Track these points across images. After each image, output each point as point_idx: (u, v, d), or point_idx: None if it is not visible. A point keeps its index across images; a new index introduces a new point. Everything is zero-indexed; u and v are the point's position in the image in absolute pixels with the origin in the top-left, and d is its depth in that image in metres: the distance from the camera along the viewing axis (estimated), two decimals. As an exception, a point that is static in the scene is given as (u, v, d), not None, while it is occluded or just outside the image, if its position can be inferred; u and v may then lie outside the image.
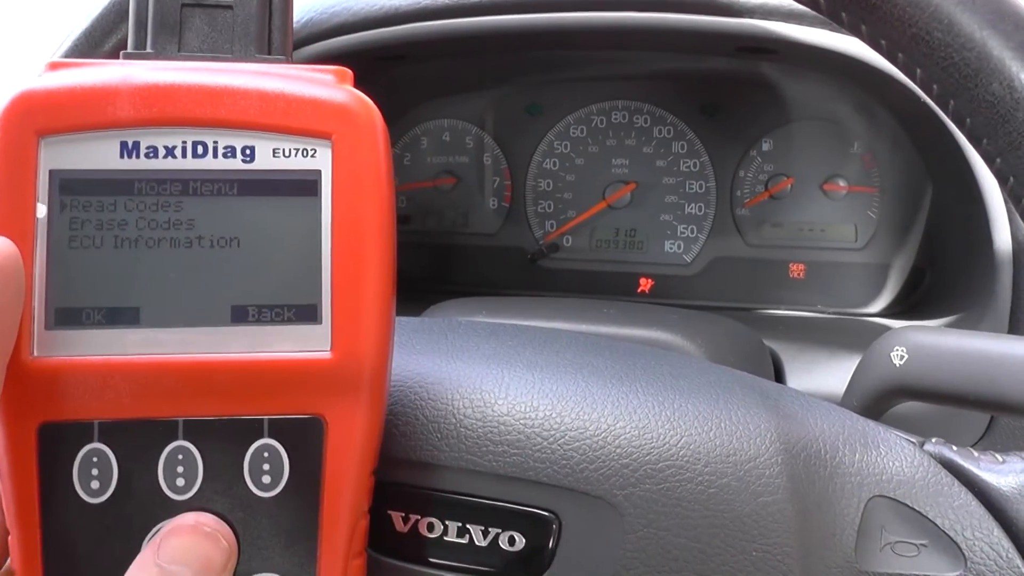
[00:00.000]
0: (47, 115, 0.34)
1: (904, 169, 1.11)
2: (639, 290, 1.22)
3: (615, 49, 1.11)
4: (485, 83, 1.25)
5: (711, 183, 1.20)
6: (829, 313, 1.14)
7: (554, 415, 0.43)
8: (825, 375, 0.91)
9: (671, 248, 1.22)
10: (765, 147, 1.18)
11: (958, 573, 0.41)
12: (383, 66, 1.12)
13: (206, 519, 0.36)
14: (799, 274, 1.17)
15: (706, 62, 1.11)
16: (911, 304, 1.10)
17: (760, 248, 1.19)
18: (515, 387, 0.45)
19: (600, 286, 1.23)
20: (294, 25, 0.41)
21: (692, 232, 1.21)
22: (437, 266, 1.29)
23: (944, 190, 1.04)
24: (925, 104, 0.87)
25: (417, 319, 0.57)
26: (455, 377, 0.45)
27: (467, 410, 0.43)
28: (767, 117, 1.17)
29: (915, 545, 0.42)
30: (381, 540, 0.42)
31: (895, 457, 0.43)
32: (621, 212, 1.22)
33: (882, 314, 1.12)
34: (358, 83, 0.39)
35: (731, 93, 1.19)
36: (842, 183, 1.15)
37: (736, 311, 1.14)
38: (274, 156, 0.36)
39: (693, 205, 1.21)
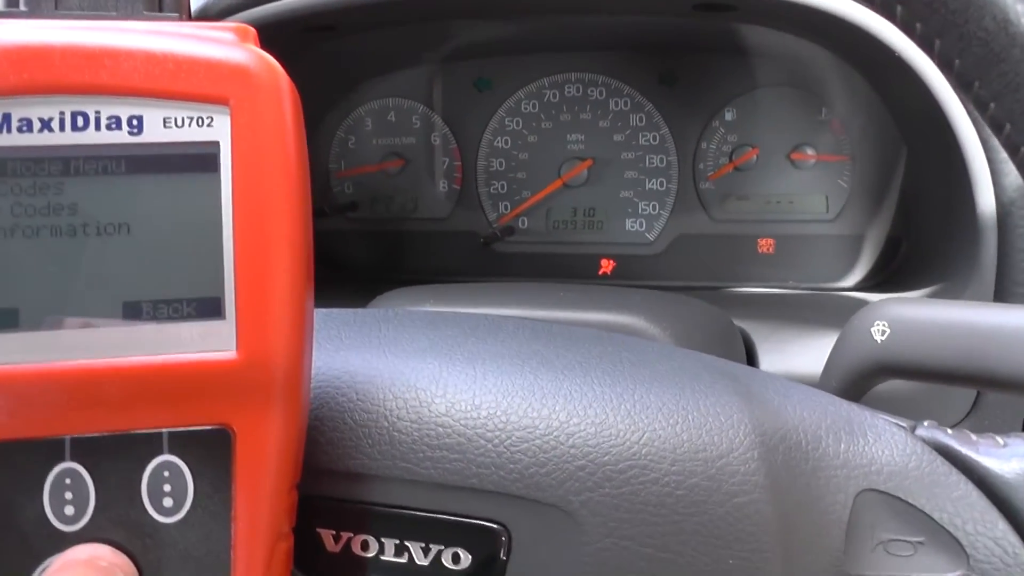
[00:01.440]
0: None
1: (876, 134, 1.10)
2: (600, 272, 1.21)
3: (566, 13, 1.09)
4: (430, 58, 1.23)
5: (672, 156, 1.18)
6: (802, 289, 1.13)
7: (499, 413, 0.41)
8: (800, 355, 0.90)
9: (632, 226, 1.20)
10: (728, 116, 1.16)
11: (960, 573, 0.39)
12: (315, 40, 1.10)
13: (102, 551, 0.33)
14: (768, 249, 1.16)
15: (663, 24, 1.09)
16: (887, 276, 1.09)
17: (726, 223, 1.17)
18: (455, 383, 0.42)
19: (559, 269, 1.22)
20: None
21: (654, 209, 1.19)
22: (387, 254, 1.28)
23: (919, 154, 1.03)
24: (898, 59, 0.85)
25: (349, 311, 0.54)
26: (387, 374, 0.43)
27: (400, 411, 0.41)
28: (729, 85, 1.16)
29: (911, 543, 0.40)
30: (310, 561, 0.40)
31: (885, 445, 0.41)
32: (578, 190, 1.21)
33: (857, 288, 1.11)
34: (289, 61, 0.37)
35: (690, 61, 1.17)
36: (810, 151, 1.14)
37: (704, 290, 1.13)
38: (165, 127, 0.33)
39: (654, 180, 1.19)
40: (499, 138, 1.23)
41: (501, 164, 1.23)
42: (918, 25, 0.35)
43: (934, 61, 0.36)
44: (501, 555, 0.39)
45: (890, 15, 0.36)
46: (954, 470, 0.41)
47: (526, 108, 1.22)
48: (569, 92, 1.21)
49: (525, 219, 1.23)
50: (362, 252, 1.28)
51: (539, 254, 1.23)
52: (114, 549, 0.33)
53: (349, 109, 1.27)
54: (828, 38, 1.00)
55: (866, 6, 0.39)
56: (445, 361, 0.44)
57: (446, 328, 0.49)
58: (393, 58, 1.23)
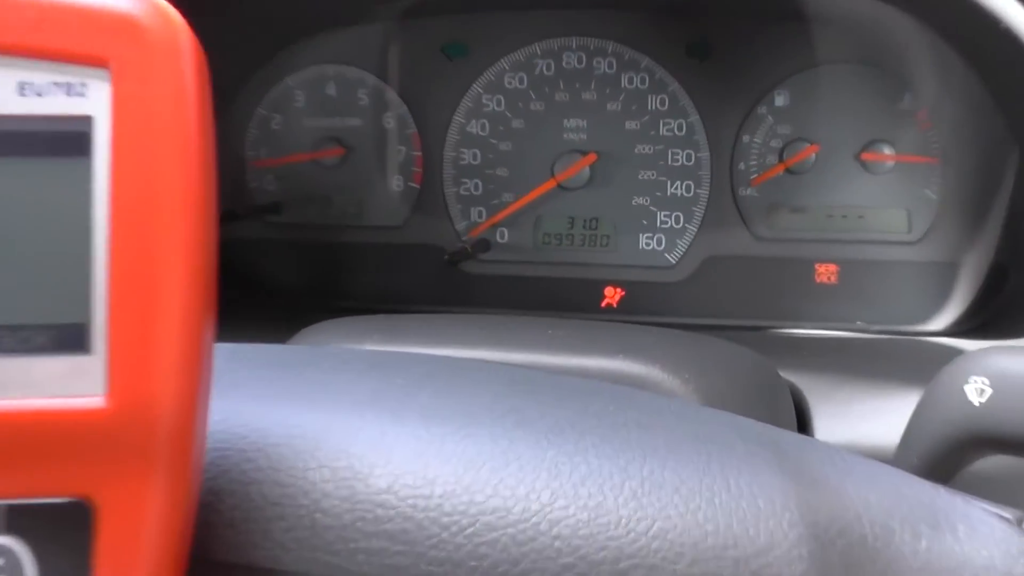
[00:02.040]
0: None
1: (975, 130, 1.11)
2: (604, 303, 1.22)
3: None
4: (384, 12, 1.24)
5: (703, 153, 1.19)
6: (873, 332, 1.13)
7: (459, 491, 0.41)
8: (869, 420, 0.90)
9: (648, 244, 1.21)
10: (778, 101, 1.17)
11: None
12: None
13: None
14: (830, 278, 1.16)
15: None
16: (988, 317, 1.10)
17: (774, 243, 1.18)
18: (402, 448, 0.43)
19: (550, 298, 1.22)
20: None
21: (678, 222, 1.20)
22: (320, 274, 1.28)
23: (1034, 158, 1.03)
24: (1006, 33, 0.85)
25: (264, 347, 0.54)
26: (312, 434, 0.43)
27: (327, 484, 0.41)
28: (780, 60, 1.17)
29: None
30: None
31: (982, 543, 0.41)
32: (577, 195, 1.22)
33: (948, 332, 1.12)
34: (194, 13, 0.37)
35: (729, 27, 1.18)
36: (887, 151, 1.15)
37: (741, 332, 1.14)
38: (20, 94, 0.33)
39: (678, 184, 1.20)
40: (473, 122, 1.23)
41: (475, 157, 1.24)
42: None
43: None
44: None
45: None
46: None
47: (510, 83, 1.23)
48: (568, 63, 1.22)
49: (505, 231, 1.24)
50: (286, 269, 1.28)
51: (523, 278, 1.23)
52: None
53: (273, 79, 1.28)
54: (914, 2, 1.00)
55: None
56: (391, 418, 0.44)
57: (394, 374, 0.49)
58: (334, 12, 1.24)
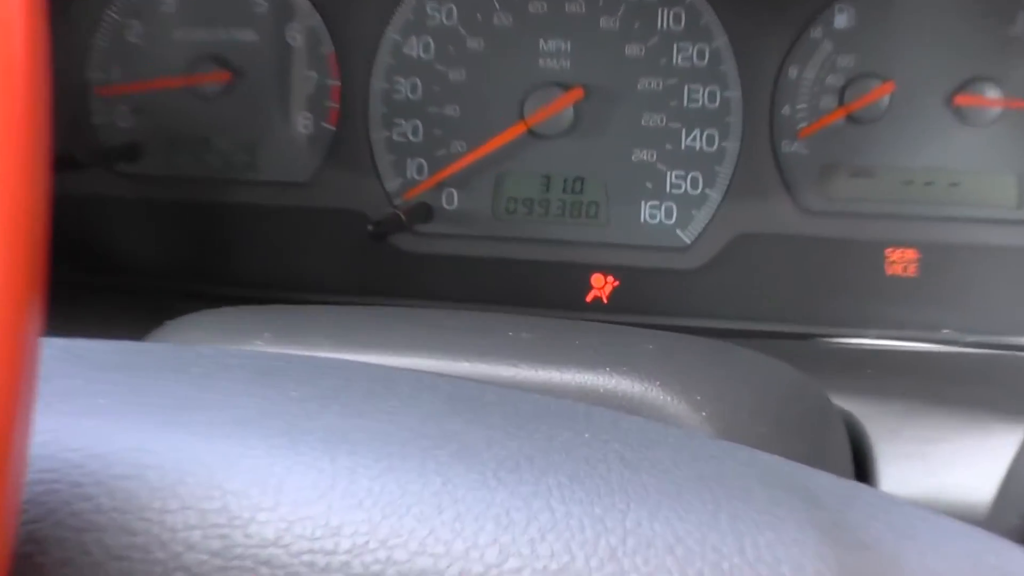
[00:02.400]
0: None
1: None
2: (589, 297, 1.23)
3: None
4: None
5: (733, 91, 1.20)
6: (963, 344, 1.14)
7: (374, 545, 0.42)
8: (954, 466, 0.89)
9: (653, 217, 1.23)
10: (840, 22, 1.18)
11: None
12: None
13: None
14: (906, 269, 1.17)
15: None
16: None
17: (828, 218, 1.20)
18: (297, 485, 0.43)
19: (513, 290, 1.24)
20: None
21: (695, 186, 1.22)
22: (192, 247, 1.29)
23: None
24: None
25: (113, 344, 0.54)
26: (174, 463, 0.44)
27: (194, 532, 0.42)
28: (844, -40, 1.18)
29: None
30: None
31: None
32: (556, 145, 1.23)
33: (1068, 348, 1.13)
34: None
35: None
36: (992, 93, 1.15)
37: (778, 339, 1.15)
38: None
39: (697, 134, 1.21)
40: (413, 40, 1.25)
41: (414, 89, 1.25)
42: None
43: None
44: None
45: None
46: None
47: (464, -14, 1.23)
48: (545, -41, 1.22)
49: (454, 193, 1.25)
50: (145, 239, 1.29)
51: (477, 259, 1.25)
52: None
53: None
54: None
55: None
56: (284, 443, 0.45)
57: (291, 384, 0.50)
58: None
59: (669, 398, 0.81)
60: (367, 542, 0.42)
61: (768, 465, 0.48)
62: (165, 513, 0.42)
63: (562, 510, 0.43)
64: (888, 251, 1.17)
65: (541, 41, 1.21)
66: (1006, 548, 0.45)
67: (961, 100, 1.15)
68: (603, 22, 1.20)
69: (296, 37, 1.25)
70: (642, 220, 1.21)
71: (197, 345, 0.68)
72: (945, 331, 1.15)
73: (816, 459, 0.71)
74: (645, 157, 1.21)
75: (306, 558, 0.41)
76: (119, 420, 0.46)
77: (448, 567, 0.41)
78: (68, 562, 0.41)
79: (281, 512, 0.42)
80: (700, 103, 1.19)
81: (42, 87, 0.35)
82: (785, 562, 0.42)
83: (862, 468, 0.91)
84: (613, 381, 0.82)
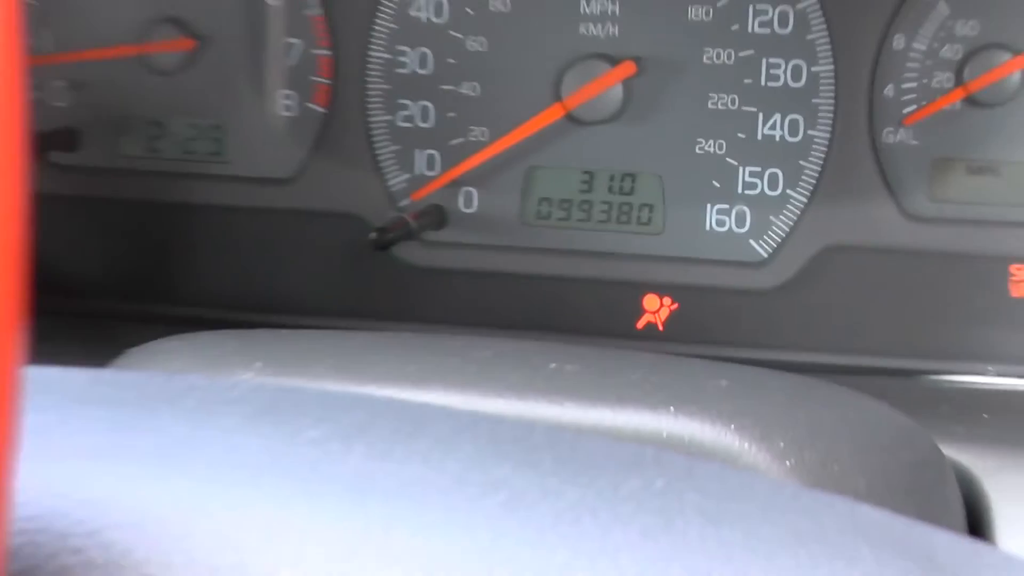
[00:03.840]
0: None
1: None
2: (642, 323, 1.13)
3: None
4: None
5: (825, 65, 1.09)
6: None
7: None
8: None
9: (722, 224, 1.12)
10: (956, -14, 1.11)
11: None
12: None
13: None
14: (1038, 289, 1.11)
15: None
16: None
17: (941, 226, 1.08)
18: (324, 537, 0.40)
19: (548, 313, 1.13)
20: None
21: (774, 186, 1.11)
22: (148, 259, 1.20)
23: None
24: None
25: (90, 374, 0.54)
26: (177, 512, 0.41)
27: None
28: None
29: None
30: None
31: None
32: (601, 133, 1.12)
33: None
34: None
35: None
36: None
37: (876, 376, 1.04)
38: None
39: (778, 120, 1.10)
40: (420, 1, 1.13)
41: (423, 62, 1.15)
42: None
43: None
44: None
45: None
46: None
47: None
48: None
49: (474, 193, 1.15)
50: (90, 250, 1.20)
51: (503, 276, 1.16)
52: None
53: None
54: None
55: None
56: (300, 498, 0.43)
57: (306, 423, 0.49)
58: None
59: (746, 444, 0.77)
60: None
61: (876, 521, 0.48)
62: (169, 569, 0.39)
63: (633, 572, 0.40)
64: (1014, 268, 1.06)
65: (583, 2, 1.10)
66: None
67: (1113, 83, 1.06)
68: (656, -17, 1.10)
69: (272, -4, 1.17)
70: (707, 228, 1.10)
71: (186, 374, 0.67)
72: (1083, 366, 1.07)
73: (924, 519, 0.60)
74: (712, 149, 1.09)
75: None
76: (109, 461, 0.44)
77: None
78: None
79: (305, 570, 0.39)
80: (782, 80, 1.08)
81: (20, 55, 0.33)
82: None
83: (976, 530, 0.88)
84: (678, 423, 0.79)
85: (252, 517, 0.41)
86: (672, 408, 0.78)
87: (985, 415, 0.95)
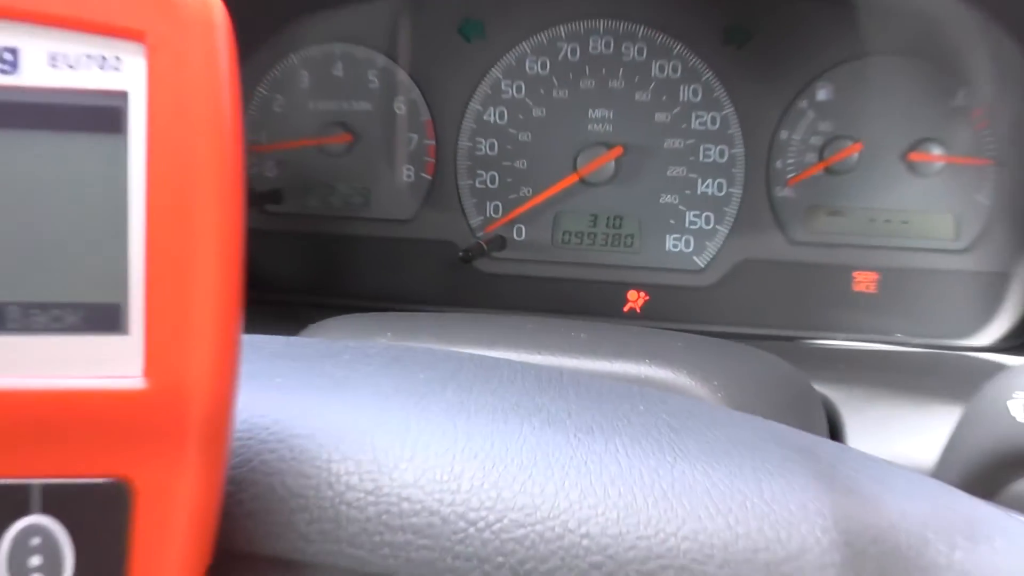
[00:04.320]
0: None
1: (1034, 131, 1.11)
2: (627, 308, 1.23)
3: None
4: (398, -12, 1.24)
5: (738, 148, 1.20)
6: (913, 346, 1.14)
7: (487, 486, 0.42)
8: (907, 437, 0.90)
9: (676, 246, 1.22)
10: (821, 95, 1.18)
11: None
12: None
13: None
14: (869, 287, 1.18)
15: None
16: (1039, 334, 1.10)
17: (811, 248, 1.19)
18: (427, 442, 0.43)
19: (569, 302, 1.23)
20: None
21: (708, 223, 1.21)
22: (323, 269, 1.28)
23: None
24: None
25: (282, 339, 0.55)
26: (336, 426, 0.44)
27: (351, 477, 0.42)
28: (823, 49, 1.18)
29: None
30: None
31: (1021, 556, 0.42)
32: (601, 191, 1.23)
33: (995, 348, 1.13)
34: None
35: (769, 12, 1.19)
36: (937, 151, 1.16)
37: (773, 341, 1.15)
38: (52, 66, 0.33)
39: (710, 182, 1.21)
40: (491, 110, 1.24)
41: (492, 147, 1.24)
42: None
43: None
44: None
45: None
46: None
47: (531, 68, 1.24)
48: (594, 48, 1.22)
49: (523, 227, 1.25)
50: (284, 262, 1.28)
51: (540, 278, 1.24)
52: None
53: (276, 57, 1.28)
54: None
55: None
56: (416, 412, 0.45)
57: (418, 369, 0.50)
58: (344, -15, 1.24)
59: (693, 383, 0.81)
60: (481, 484, 0.42)
61: (776, 431, 0.49)
62: (331, 462, 0.42)
63: (625, 463, 0.43)
64: (855, 273, 1.18)
65: (590, 110, 1.21)
66: (953, 493, 0.45)
67: (913, 156, 1.15)
68: (637, 95, 1.20)
69: (401, 107, 1.25)
70: (667, 249, 1.21)
71: (342, 340, 0.66)
72: (897, 335, 1.15)
73: (804, 430, 0.69)
74: (670, 200, 1.21)
75: (436, 495, 0.42)
76: (292, 394, 0.46)
77: (542, 503, 0.41)
78: (259, 497, 0.42)
79: (417, 462, 0.42)
80: (712, 158, 1.19)
81: (241, 143, 0.35)
82: (792, 501, 0.42)
83: (835, 438, 0.92)
84: (651, 370, 0.82)
85: (383, 427, 0.43)
86: (648, 361, 0.82)
87: (840, 365, 1.03)
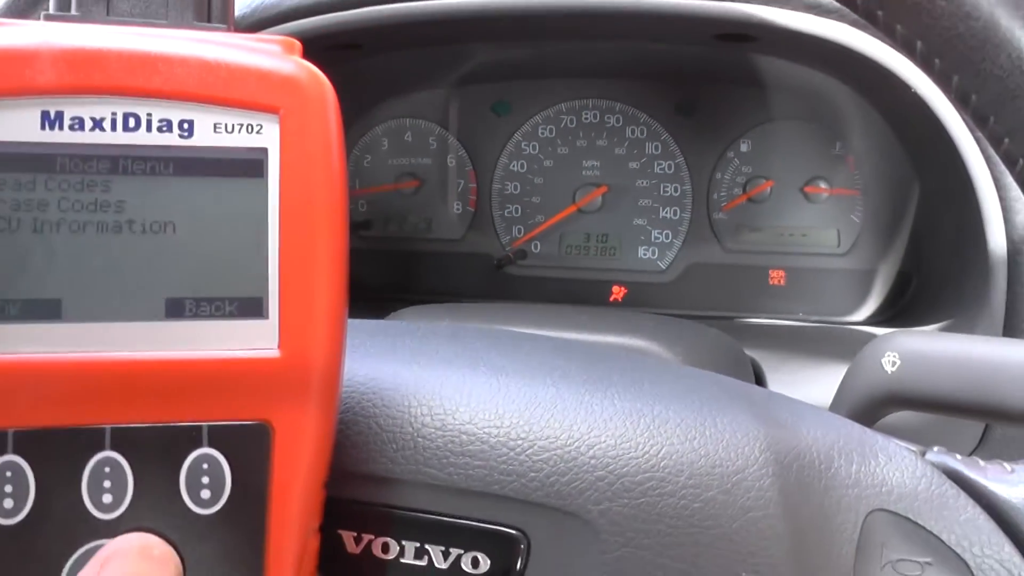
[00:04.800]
0: None
1: (888, 169, 1.11)
2: (611, 298, 1.21)
3: (585, 38, 1.10)
4: (448, 80, 1.24)
5: (687, 186, 1.19)
6: (811, 321, 1.13)
7: (522, 423, 0.41)
8: (809, 386, 0.90)
9: (645, 254, 1.21)
10: (743, 148, 1.17)
11: None
12: (339, 57, 1.10)
13: (153, 541, 0.33)
14: (779, 281, 1.16)
15: (682, 52, 1.10)
16: (898, 311, 1.10)
17: (739, 254, 1.18)
18: (478, 393, 0.43)
19: (571, 294, 1.22)
20: (239, 11, 0.39)
21: (667, 237, 1.20)
22: (398, 274, 1.28)
23: (932, 191, 1.04)
24: (916, 96, 0.86)
25: (371, 321, 0.55)
26: (412, 382, 0.43)
27: (425, 418, 0.42)
28: (745, 116, 1.17)
29: (919, 563, 0.40)
30: (330, 562, 0.40)
31: (895, 467, 0.42)
32: (592, 216, 1.22)
33: (867, 322, 1.12)
34: None
35: (708, 91, 1.18)
36: (823, 185, 1.15)
37: (715, 320, 1.13)
38: (215, 132, 0.34)
39: (668, 209, 1.20)
40: (515, 162, 1.24)
41: (516, 187, 1.24)
42: (937, 61, 0.36)
43: (950, 97, 0.37)
44: (519, 561, 0.40)
45: (910, 51, 0.37)
46: (963, 494, 0.41)
47: (543, 133, 1.23)
48: (586, 118, 1.22)
49: (538, 243, 1.24)
50: (374, 271, 1.27)
51: (551, 279, 1.23)
52: (163, 541, 0.34)
53: (366, 128, 1.28)
54: (846, 73, 1.01)
55: (886, 43, 0.40)
56: (469, 372, 0.45)
57: (468, 341, 0.50)
58: (411, 79, 1.24)
59: (661, 349, 0.81)
60: (518, 422, 0.42)
61: (723, 381, 0.48)
62: (410, 408, 0.42)
63: (619, 404, 0.43)
64: (770, 271, 1.16)
65: (584, 161, 1.20)
66: (848, 423, 0.45)
67: (808, 189, 1.14)
68: (617, 150, 1.19)
69: (452, 161, 1.24)
70: (639, 256, 1.19)
71: (405, 322, 0.66)
72: (800, 314, 1.14)
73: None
74: (640, 223, 1.19)
75: (486, 430, 0.42)
76: (381, 358, 0.46)
77: (561, 434, 0.41)
78: (360, 433, 0.42)
79: (471, 406, 0.42)
80: (669, 193, 1.18)
81: (346, 184, 0.36)
82: (738, 431, 0.42)
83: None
84: (631, 340, 0.81)
85: (446, 382, 0.43)
86: (628, 335, 0.82)
87: (762, 337, 1.04)
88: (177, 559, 0.33)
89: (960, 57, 0.35)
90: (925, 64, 0.37)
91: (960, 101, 0.37)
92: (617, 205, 1.21)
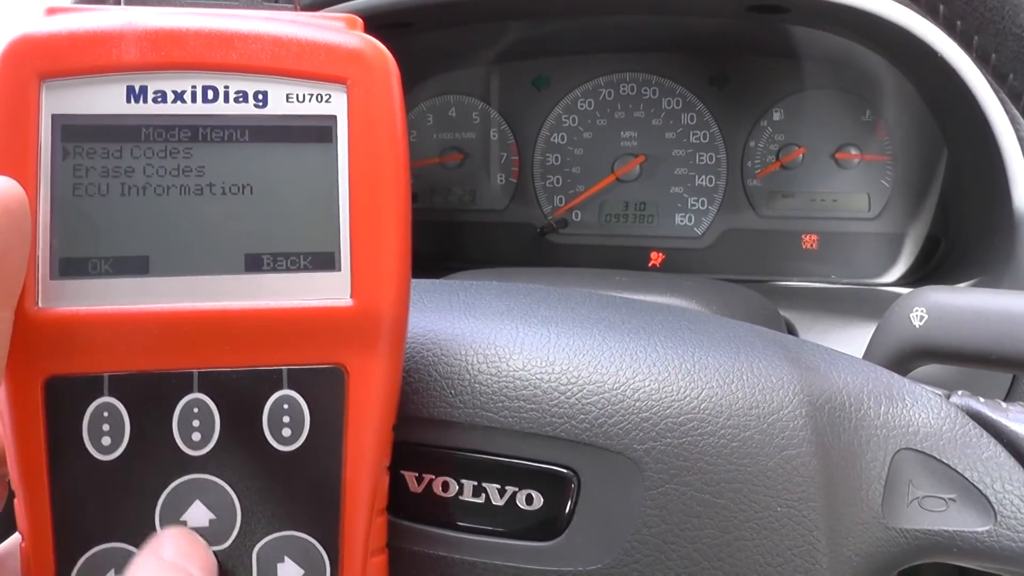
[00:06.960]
0: (49, 58, 0.33)
1: (917, 136, 1.11)
2: (650, 264, 1.22)
3: (621, 13, 1.10)
4: (491, 56, 1.25)
5: (721, 155, 1.19)
6: (843, 283, 1.13)
7: (571, 369, 0.42)
8: (840, 344, 0.84)
9: (682, 221, 1.21)
10: (776, 117, 1.17)
11: (988, 527, 0.40)
12: (390, 36, 1.07)
13: (184, 547, 0.34)
14: (812, 245, 1.16)
15: (716, 25, 1.10)
16: (926, 272, 1.10)
17: (772, 219, 1.18)
18: (530, 342, 0.44)
19: (610, 260, 1.22)
20: (299, -11, 0.40)
21: (703, 204, 1.20)
22: (445, 244, 1.29)
23: (959, 155, 1.04)
24: (944, 63, 0.86)
25: (428, 280, 0.56)
26: (468, 333, 0.44)
27: (481, 365, 0.43)
28: (777, 86, 1.17)
29: (943, 499, 0.41)
30: (394, 501, 0.41)
31: (921, 409, 0.43)
32: (630, 185, 1.22)
33: (897, 283, 1.11)
34: None
35: (740, 63, 1.18)
36: (854, 152, 1.15)
37: (749, 283, 1.12)
38: (287, 101, 0.35)
39: (703, 177, 1.20)
40: (555, 134, 1.24)
41: (557, 159, 1.24)
42: (958, 23, 0.38)
43: (972, 56, 0.38)
44: (570, 498, 0.41)
45: (932, 14, 0.39)
46: (985, 433, 0.42)
47: (582, 106, 1.23)
48: (624, 91, 1.22)
49: (579, 212, 1.24)
50: (421, 241, 1.20)
51: (592, 246, 1.23)
52: (197, 538, 0.35)
53: (411, 104, 1.28)
54: (876, 40, 1.01)
55: (910, 7, 0.41)
56: (521, 323, 0.45)
57: (519, 296, 0.51)
58: (455, 56, 1.24)
59: (701, 305, 0.81)
60: (568, 368, 0.43)
61: (760, 330, 0.49)
62: (467, 356, 0.43)
63: (663, 352, 0.44)
64: (803, 236, 1.16)
65: (622, 132, 1.20)
66: (878, 369, 0.46)
67: (839, 156, 1.14)
68: (654, 121, 1.19)
69: (495, 135, 1.25)
70: (676, 223, 1.19)
71: (459, 280, 0.66)
72: (832, 277, 1.14)
73: None
74: (677, 190, 1.19)
75: (538, 376, 0.43)
76: (439, 312, 0.47)
77: (608, 379, 0.42)
78: (421, 379, 0.43)
79: (523, 354, 0.44)
80: (705, 162, 1.18)
81: (407, 146, 0.38)
82: (773, 375, 0.43)
83: None
84: (671, 299, 0.81)
85: (501, 333, 0.44)
86: (668, 294, 0.82)
87: (795, 298, 1.03)
88: (212, 562, 0.35)
89: (981, 18, 0.37)
90: (948, 26, 0.39)
91: (980, 60, 0.38)
92: (654, 174, 1.21)
